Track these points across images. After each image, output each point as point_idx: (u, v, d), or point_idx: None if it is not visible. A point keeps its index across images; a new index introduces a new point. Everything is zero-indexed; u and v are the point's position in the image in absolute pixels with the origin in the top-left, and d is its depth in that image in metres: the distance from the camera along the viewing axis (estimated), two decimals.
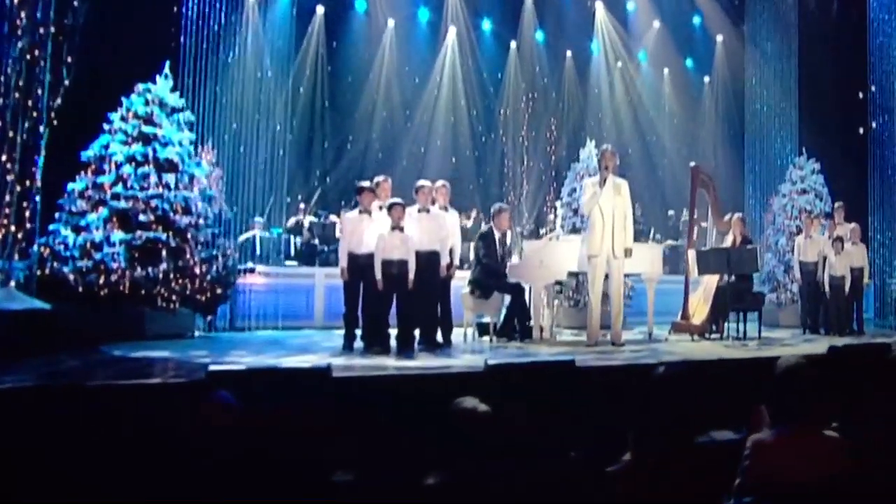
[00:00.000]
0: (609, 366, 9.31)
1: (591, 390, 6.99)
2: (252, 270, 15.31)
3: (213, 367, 6.61)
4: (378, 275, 11.08)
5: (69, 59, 12.78)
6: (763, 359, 9.57)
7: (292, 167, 18.10)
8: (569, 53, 22.62)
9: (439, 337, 11.74)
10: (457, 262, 12.28)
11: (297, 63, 19.17)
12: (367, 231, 11.32)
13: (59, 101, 12.66)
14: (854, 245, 14.65)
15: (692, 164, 14.65)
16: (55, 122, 12.66)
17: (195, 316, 13.63)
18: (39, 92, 12.64)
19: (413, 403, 7.15)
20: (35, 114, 12.60)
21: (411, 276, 11.17)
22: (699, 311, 13.22)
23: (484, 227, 12.93)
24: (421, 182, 12.06)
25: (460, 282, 12.78)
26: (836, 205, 15.86)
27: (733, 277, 12.72)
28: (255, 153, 16.69)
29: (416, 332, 11.57)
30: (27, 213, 12.39)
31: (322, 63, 19.92)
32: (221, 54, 15.59)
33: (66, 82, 12.69)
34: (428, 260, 11.50)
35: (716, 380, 7.29)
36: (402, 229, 11.21)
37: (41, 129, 12.55)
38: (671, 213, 21.32)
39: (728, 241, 13.46)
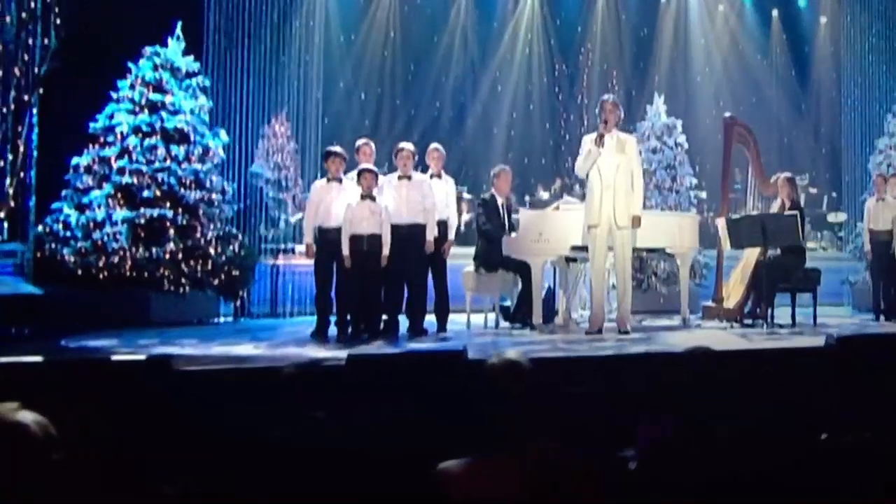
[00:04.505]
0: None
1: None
2: (293, 251, 14.14)
3: None
4: (345, 251, 9.68)
5: (57, 21, 11.98)
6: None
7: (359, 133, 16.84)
8: None
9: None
10: (451, 236, 10.69)
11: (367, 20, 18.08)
12: (337, 201, 9.93)
13: (45, 66, 11.88)
14: None
15: (726, 114, 12.34)
16: (41, 91, 11.95)
17: (219, 301, 12.61)
18: (26, 57, 11.93)
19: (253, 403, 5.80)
20: (23, 82, 11.88)
21: (385, 252, 9.71)
22: (735, 291, 11.08)
23: (484, 194, 11.28)
24: (402, 144, 10.49)
25: (460, 261, 11.23)
26: None
27: (778, 251, 10.60)
28: (320, 120, 15.54)
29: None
30: (10, 191, 11.73)
31: (395, 19, 18.45)
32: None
33: (55, 45, 11.93)
34: (409, 234, 10.00)
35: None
36: (373, 199, 9.74)
37: (25, 97, 11.85)
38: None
39: (776, 207, 11.27)
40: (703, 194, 15.08)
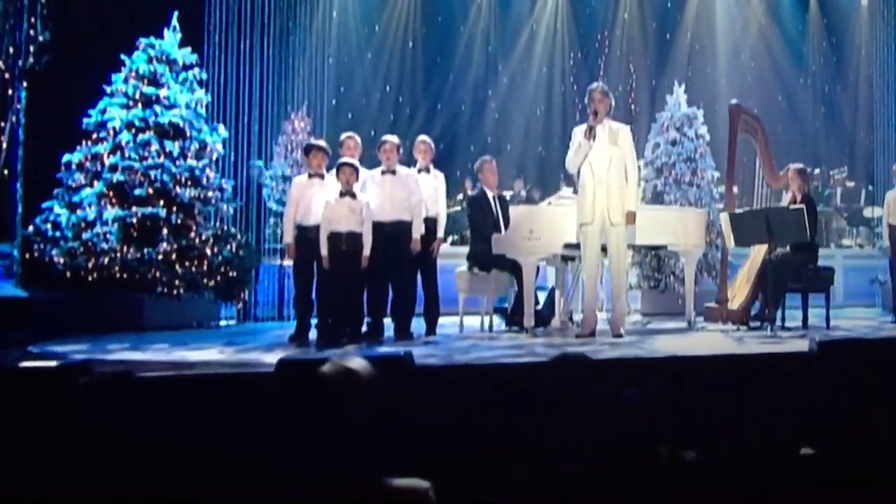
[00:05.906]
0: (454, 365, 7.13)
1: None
2: None
3: None
4: (324, 250, 9.07)
5: (44, 12, 11.54)
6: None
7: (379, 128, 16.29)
8: None
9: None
10: (440, 234, 10.07)
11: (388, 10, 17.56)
12: (317, 198, 9.31)
13: (31, 60, 11.44)
14: None
15: (733, 101, 11.49)
16: (25, 84, 11.51)
17: (219, 304, 12.12)
18: (11, 50, 11.52)
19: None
20: (7, 76, 11.46)
21: (366, 251, 9.08)
22: (740, 292, 10.22)
23: (474, 190, 10.67)
24: (385, 137, 9.87)
25: (455, 261, 10.67)
26: None
27: (788, 248, 9.79)
28: (337, 114, 15.16)
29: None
30: None
31: (416, 9, 17.85)
32: None
33: (41, 38, 11.51)
34: (393, 232, 9.39)
35: None
36: (353, 195, 9.10)
37: (10, 92, 11.44)
38: (815, 171, 16.88)
39: (786, 201, 10.39)
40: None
